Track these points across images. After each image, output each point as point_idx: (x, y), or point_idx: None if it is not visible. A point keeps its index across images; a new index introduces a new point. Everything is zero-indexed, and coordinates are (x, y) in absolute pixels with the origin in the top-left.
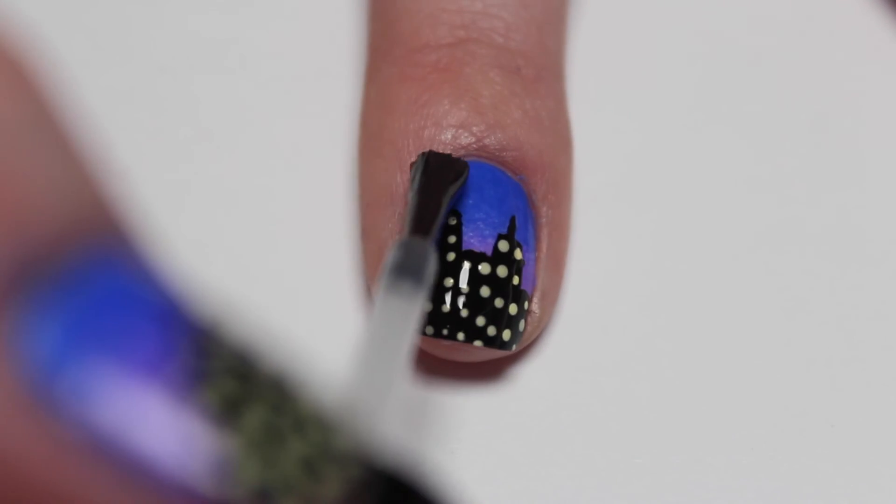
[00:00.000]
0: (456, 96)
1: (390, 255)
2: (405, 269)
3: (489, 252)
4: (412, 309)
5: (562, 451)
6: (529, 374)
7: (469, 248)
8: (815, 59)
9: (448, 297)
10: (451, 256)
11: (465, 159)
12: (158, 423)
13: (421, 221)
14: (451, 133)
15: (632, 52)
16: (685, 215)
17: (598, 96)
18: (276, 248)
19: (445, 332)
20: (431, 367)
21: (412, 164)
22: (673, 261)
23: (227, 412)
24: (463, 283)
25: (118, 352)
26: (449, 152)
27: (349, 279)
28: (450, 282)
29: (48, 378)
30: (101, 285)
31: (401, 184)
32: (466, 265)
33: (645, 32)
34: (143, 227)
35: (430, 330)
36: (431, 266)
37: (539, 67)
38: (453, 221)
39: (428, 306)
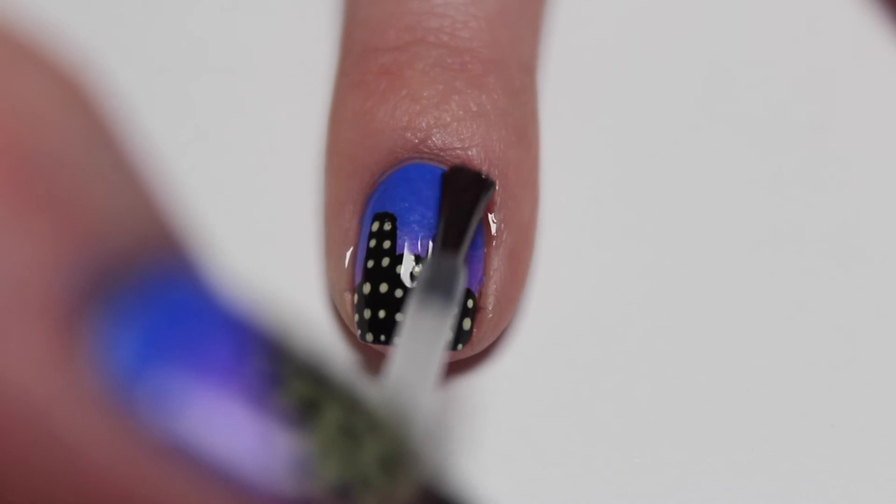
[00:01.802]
0: (396, 100)
1: (421, 272)
2: (435, 286)
3: (423, 253)
4: (442, 325)
5: (562, 451)
6: (529, 374)
7: (402, 252)
8: (815, 59)
9: (384, 304)
10: (386, 261)
11: (407, 163)
12: (237, 425)
13: (450, 238)
14: (393, 137)
15: (630, 51)
16: (685, 215)
17: (598, 96)
18: (274, 247)
19: (382, 338)
20: None
21: (443, 176)
22: (673, 261)
23: (304, 413)
24: (396, 289)
25: (194, 358)
26: (477, 170)
27: None
28: (385, 287)
29: (128, 384)
30: (172, 298)
31: (346, 193)
32: (399, 269)
33: (643, 32)
34: (197, 242)
35: (369, 337)
36: (461, 282)
37: (487, 62)
38: (388, 226)
39: (367, 314)
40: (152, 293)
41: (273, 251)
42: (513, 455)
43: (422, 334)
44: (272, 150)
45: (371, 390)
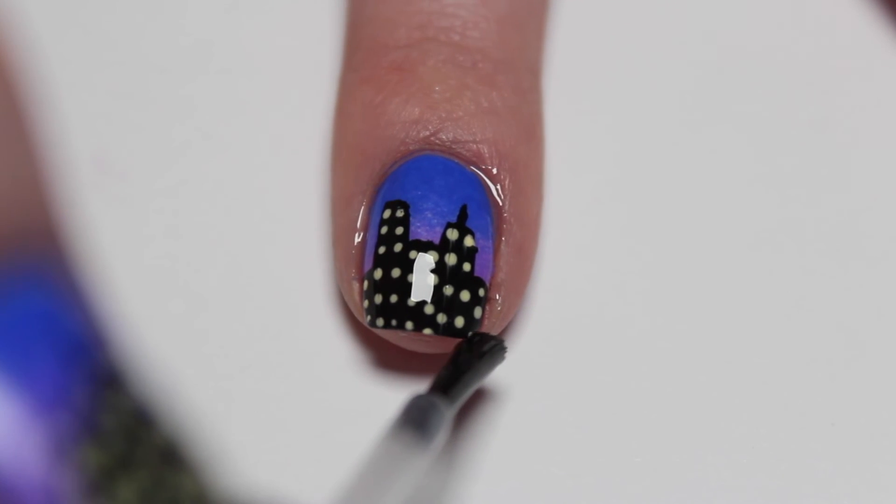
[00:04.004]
0: (408, 94)
1: (403, 406)
2: (411, 422)
3: (437, 241)
4: (409, 460)
5: (562, 451)
6: (529, 374)
7: (416, 238)
8: (815, 58)
9: (395, 288)
10: (399, 247)
11: (418, 154)
12: (30, 480)
13: (444, 384)
14: (404, 129)
15: (631, 51)
16: (685, 214)
17: (598, 95)
18: (272, 246)
19: (394, 322)
20: (429, 366)
21: (463, 339)
22: (673, 260)
23: (105, 478)
24: (409, 273)
25: (13, 383)
26: (496, 336)
27: None
28: (397, 272)
29: None
30: (19, 303)
31: (356, 184)
32: (413, 254)
33: (643, 31)
34: (81, 247)
35: (380, 322)
36: (440, 426)
37: (497, 62)
38: (401, 213)
39: (378, 299)
40: (4, 289)
41: (274, 249)
42: (513, 455)
43: (385, 465)
44: (272, 149)
45: (190, 465)
